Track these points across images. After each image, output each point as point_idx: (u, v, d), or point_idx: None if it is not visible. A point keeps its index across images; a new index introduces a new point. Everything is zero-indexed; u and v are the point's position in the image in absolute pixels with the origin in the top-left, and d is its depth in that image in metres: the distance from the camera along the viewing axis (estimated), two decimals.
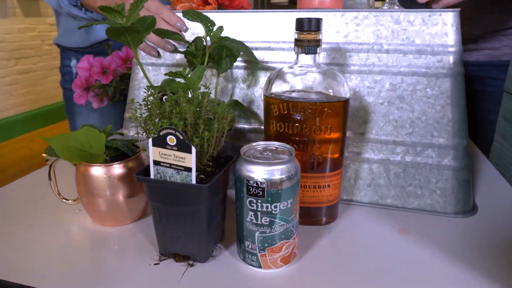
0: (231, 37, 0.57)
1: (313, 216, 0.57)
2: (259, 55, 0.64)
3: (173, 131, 0.41)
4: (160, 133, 0.42)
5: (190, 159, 0.42)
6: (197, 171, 0.44)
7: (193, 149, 0.41)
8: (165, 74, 0.53)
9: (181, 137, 0.41)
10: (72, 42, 1.10)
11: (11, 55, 3.32)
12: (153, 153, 0.43)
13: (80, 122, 1.17)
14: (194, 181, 0.43)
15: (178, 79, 0.54)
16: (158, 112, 0.45)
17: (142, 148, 0.48)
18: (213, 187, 0.44)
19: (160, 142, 0.43)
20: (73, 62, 1.15)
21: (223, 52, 0.57)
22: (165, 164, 0.44)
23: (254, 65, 0.64)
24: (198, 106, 0.45)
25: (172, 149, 0.42)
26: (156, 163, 0.44)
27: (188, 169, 0.43)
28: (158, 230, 0.48)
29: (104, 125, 1.15)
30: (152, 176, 0.45)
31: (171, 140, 0.42)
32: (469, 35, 0.92)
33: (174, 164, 0.43)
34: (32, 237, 0.55)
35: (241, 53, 0.60)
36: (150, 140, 0.43)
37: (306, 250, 0.51)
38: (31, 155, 3.09)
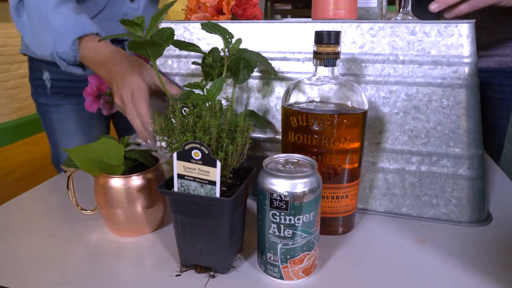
0: (246, 47, 0.58)
1: (330, 226, 0.57)
2: (274, 65, 0.64)
3: (198, 146, 0.42)
4: (185, 148, 0.42)
5: (215, 173, 0.42)
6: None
7: (218, 163, 0.42)
8: (184, 86, 0.53)
9: (207, 152, 0.41)
10: None
11: (13, 59, 3.33)
12: (178, 166, 0.44)
13: (61, 138, 1.10)
14: (218, 195, 0.44)
15: (196, 91, 0.54)
16: (181, 125, 0.45)
17: (166, 161, 0.48)
18: (236, 200, 0.45)
19: (184, 156, 0.43)
20: (46, 75, 1.06)
21: (240, 63, 0.57)
22: (189, 178, 0.44)
23: (269, 75, 0.65)
24: (220, 119, 0.46)
25: (196, 163, 0.43)
26: (180, 176, 0.44)
27: (212, 183, 0.43)
28: (180, 242, 0.49)
29: (87, 138, 1.11)
30: (176, 189, 0.45)
31: (196, 154, 0.42)
32: (479, 43, 0.93)
33: (198, 178, 0.44)
34: (52, 247, 0.55)
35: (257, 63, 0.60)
36: (175, 154, 0.43)
37: (325, 261, 0.51)
38: (33, 159, 3.09)
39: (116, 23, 1.00)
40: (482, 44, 0.93)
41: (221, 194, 0.45)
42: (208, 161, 0.42)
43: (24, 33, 0.79)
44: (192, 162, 0.43)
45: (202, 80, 0.54)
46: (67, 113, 1.08)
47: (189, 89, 0.55)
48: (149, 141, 0.65)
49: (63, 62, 0.77)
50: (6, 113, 3.36)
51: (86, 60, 0.75)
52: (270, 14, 3.34)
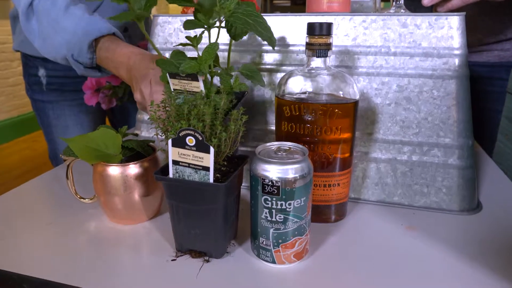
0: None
1: (323, 213, 0.58)
2: (269, 57, 0.66)
3: (192, 132, 0.43)
4: (180, 134, 0.44)
5: (208, 159, 0.44)
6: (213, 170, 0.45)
7: (212, 149, 0.43)
8: (176, 45, 0.54)
9: (200, 138, 0.43)
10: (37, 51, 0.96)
11: (14, 56, 3.34)
12: (172, 153, 0.45)
13: (58, 134, 1.09)
14: (211, 180, 0.45)
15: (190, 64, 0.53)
16: (176, 113, 0.47)
17: (160, 148, 0.49)
18: (229, 186, 0.46)
19: (179, 142, 0.44)
20: (42, 72, 1.05)
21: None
22: (183, 164, 0.45)
23: (264, 68, 0.66)
24: (214, 107, 0.47)
25: (191, 149, 0.44)
26: (175, 162, 0.46)
27: (206, 169, 0.44)
28: (176, 228, 0.50)
29: (83, 134, 1.11)
30: (171, 175, 0.47)
31: (190, 140, 0.43)
32: (479, 38, 0.94)
33: (192, 164, 0.45)
34: (52, 235, 0.56)
35: (255, 60, 0.61)
36: (170, 141, 0.44)
37: (317, 247, 0.53)
38: (34, 156, 3.11)
39: (111, 22, 1.01)
40: (482, 39, 0.94)
41: (215, 181, 0.46)
42: (201, 147, 0.43)
43: (33, 38, 0.76)
44: (186, 149, 0.44)
45: (195, 37, 0.53)
46: (64, 109, 1.08)
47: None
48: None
49: (80, 66, 0.74)
50: (6, 110, 3.38)
51: (103, 61, 0.73)
52: (270, 10, 3.36)
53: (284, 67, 0.65)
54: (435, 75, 0.59)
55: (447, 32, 0.58)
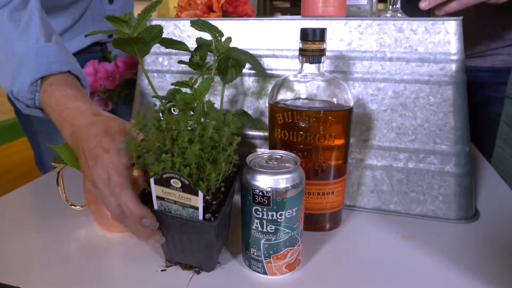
0: (237, 45, 0.58)
1: (317, 222, 0.57)
2: (263, 62, 0.65)
3: (177, 176, 0.40)
4: (163, 176, 0.41)
5: (197, 200, 0.41)
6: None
7: (200, 194, 0.41)
8: (172, 84, 0.53)
9: (187, 182, 0.40)
10: None
11: None
12: (156, 190, 0.42)
13: (43, 141, 1.03)
14: (201, 218, 0.43)
15: (184, 90, 0.54)
16: (157, 147, 0.43)
17: (139, 173, 0.45)
18: (220, 222, 0.44)
19: (163, 182, 0.41)
20: None
21: (229, 62, 0.57)
22: (169, 201, 0.43)
23: (258, 73, 0.65)
24: (200, 136, 0.44)
25: (176, 190, 0.41)
26: (160, 198, 0.43)
27: (195, 207, 0.42)
28: (164, 246, 0.48)
29: None
30: (155, 207, 0.44)
31: (176, 183, 0.41)
32: (483, 43, 0.93)
33: (179, 202, 0.42)
34: (41, 243, 0.55)
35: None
36: (152, 180, 0.41)
37: (311, 256, 0.52)
38: (33, 157, 3.10)
39: (96, 26, 0.99)
40: (486, 44, 0.93)
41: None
42: (189, 190, 0.41)
43: None
44: (171, 189, 0.42)
45: (191, 79, 0.54)
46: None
47: (176, 87, 0.55)
48: (151, 241, 0.46)
49: (21, 104, 0.59)
50: (6, 111, 3.37)
51: (46, 108, 0.56)
52: (270, 12, 3.34)
53: (278, 72, 0.64)
54: (432, 81, 0.58)
55: (443, 37, 0.57)
